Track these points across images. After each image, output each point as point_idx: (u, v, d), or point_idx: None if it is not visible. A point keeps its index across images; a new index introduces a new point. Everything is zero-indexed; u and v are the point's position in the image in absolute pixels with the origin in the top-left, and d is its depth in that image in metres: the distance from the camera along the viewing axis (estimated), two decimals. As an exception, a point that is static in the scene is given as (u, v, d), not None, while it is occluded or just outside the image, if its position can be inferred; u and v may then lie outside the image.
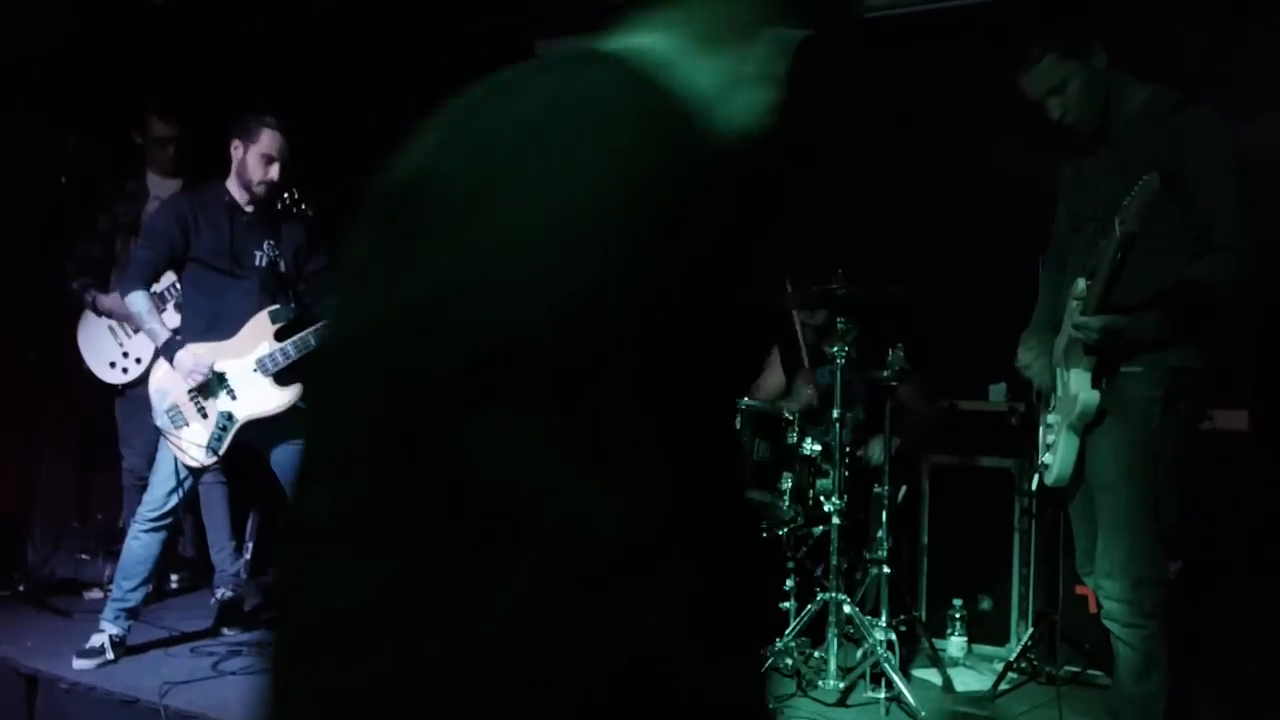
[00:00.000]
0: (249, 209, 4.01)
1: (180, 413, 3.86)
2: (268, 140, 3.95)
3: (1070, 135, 2.96)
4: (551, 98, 0.88)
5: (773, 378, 4.82)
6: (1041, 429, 3.11)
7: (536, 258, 0.81)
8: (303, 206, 4.20)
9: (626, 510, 0.78)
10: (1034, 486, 3.10)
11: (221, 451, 3.86)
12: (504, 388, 0.79)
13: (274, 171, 3.98)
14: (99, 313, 4.71)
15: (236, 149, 3.98)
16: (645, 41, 0.94)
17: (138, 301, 3.90)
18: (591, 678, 0.78)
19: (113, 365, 4.72)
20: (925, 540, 4.49)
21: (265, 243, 4.02)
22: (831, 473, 3.80)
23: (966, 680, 4.01)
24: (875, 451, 4.24)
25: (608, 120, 0.85)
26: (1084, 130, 2.93)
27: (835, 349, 3.81)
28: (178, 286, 4.20)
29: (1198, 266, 2.73)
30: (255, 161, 3.96)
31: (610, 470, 0.79)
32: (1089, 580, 3.02)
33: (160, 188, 4.72)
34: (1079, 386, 2.83)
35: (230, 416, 3.87)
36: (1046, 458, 3.03)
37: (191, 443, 3.85)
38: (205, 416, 3.87)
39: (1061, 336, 2.94)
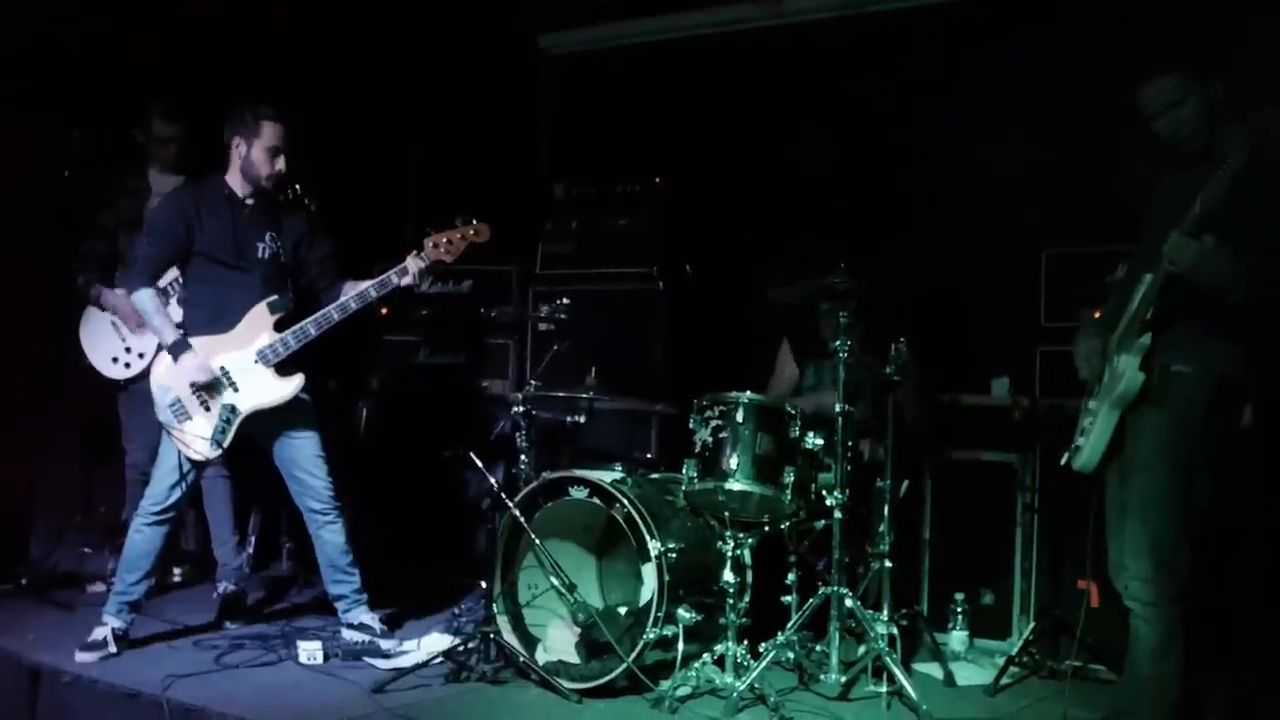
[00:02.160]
0: (249, 202, 4.01)
1: (183, 406, 3.86)
2: (270, 133, 3.94)
3: (1170, 152, 3.12)
4: None
5: (785, 371, 4.80)
6: (1081, 414, 3.23)
7: None
8: (305, 201, 4.19)
9: None
10: (1062, 462, 3.25)
11: (225, 444, 3.85)
12: None
13: (280, 164, 3.97)
14: (102, 308, 4.71)
15: (239, 146, 3.97)
16: None
17: (145, 299, 3.89)
18: None
19: (115, 360, 4.72)
20: (927, 535, 4.49)
21: (267, 234, 4.01)
22: (834, 467, 3.79)
23: (968, 674, 4.01)
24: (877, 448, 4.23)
25: None
26: (1186, 151, 3.08)
27: (839, 343, 3.80)
28: (180, 282, 4.20)
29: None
30: (261, 156, 3.95)
31: None
32: (1118, 583, 3.10)
33: (162, 184, 4.70)
34: (1127, 366, 2.99)
35: (233, 409, 3.87)
36: (1080, 440, 3.17)
37: (195, 436, 3.85)
38: (208, 409, 3.86)
39: (1119, 329, 3.09)
